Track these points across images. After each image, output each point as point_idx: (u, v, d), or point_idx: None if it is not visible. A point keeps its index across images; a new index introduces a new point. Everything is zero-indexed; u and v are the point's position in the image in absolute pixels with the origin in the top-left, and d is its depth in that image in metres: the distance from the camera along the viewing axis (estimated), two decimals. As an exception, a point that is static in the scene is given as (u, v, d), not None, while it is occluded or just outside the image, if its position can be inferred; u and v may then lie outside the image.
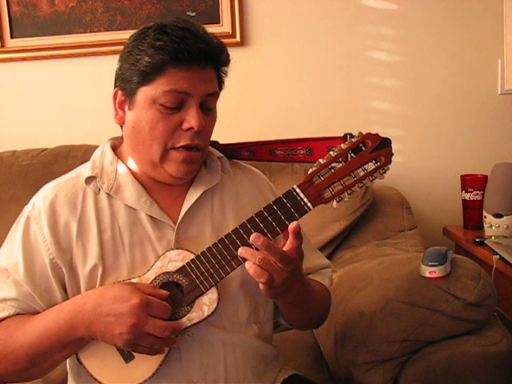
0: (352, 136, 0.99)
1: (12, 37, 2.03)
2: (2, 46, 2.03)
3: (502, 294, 1.42)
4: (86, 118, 2.06)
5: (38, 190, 1.08)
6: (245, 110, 2.03)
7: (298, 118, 2.06)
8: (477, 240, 1.73)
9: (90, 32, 2.03)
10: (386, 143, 0.97)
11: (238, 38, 1.99)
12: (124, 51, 1.03)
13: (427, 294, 1.20)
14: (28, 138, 2.01)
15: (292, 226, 0.94)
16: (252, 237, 0.93)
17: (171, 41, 0.97)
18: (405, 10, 2.02)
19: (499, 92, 2.04)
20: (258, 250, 0.94)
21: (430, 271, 1.20)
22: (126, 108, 1.04)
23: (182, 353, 1.01)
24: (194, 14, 2.00)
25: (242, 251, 0.94)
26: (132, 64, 1.00)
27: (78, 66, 2.05)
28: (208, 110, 1.03)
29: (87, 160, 1.10)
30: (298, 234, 0.94)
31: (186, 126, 0.99)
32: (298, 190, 0.96)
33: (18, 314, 0.99)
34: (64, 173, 1.11)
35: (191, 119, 0.99)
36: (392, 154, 0.97)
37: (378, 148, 0.96)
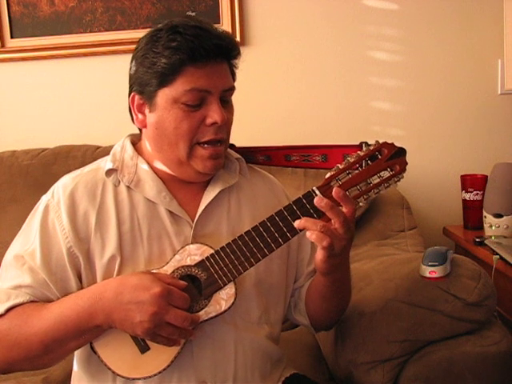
0: (368, 145, 1.02)
1: (12, 37, 2.03)
2: (2, 46, 2.03)
3: (501, 294, 1.42)
4: (86, 118, 2.05)
5: (38, 190, 1.08)
6: (244, 110, 2.02)
7: (298, 118, 2.06)
8: (477, 240, 1.73)
9: (90, 32, 2.03)
10: (401, 153, 0.99)
11: (238, 38, 1.99)
12: (138, 55, 1.04)
13: (427, 294, 1.20)
14: (28, 138, 2.01)
15: (335, 192, 0.95)
16: (316, 199, 0.95)
17: (185, 40, 0.98)
18: (405, 10, 2.02)
19: (499, 92, 2.04)
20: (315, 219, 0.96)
21: (429, 271, 1.20)
22: (147, 111, 1.05)
23: (194, 349, 1.02)
24: (193, 13, 2.00)
25: (301, 221, 0.96)
26: (149, 67, 1.01)
27: (77, 66, 2.05)
28: (226, 104, 1.05)
29: (87, 160, 1.11)
30: (346, 198, 0.95)
31: (209, 121, 1.01)
32: (317, 192, 0.98)
33: (32, 302, 0.98)
34: (64, 173, 1.11)
35: (214, 114, 1.01)
36: (406, 164, 1.00)
37: (393, 157, 0.99)
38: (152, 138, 1.06)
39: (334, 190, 0.95)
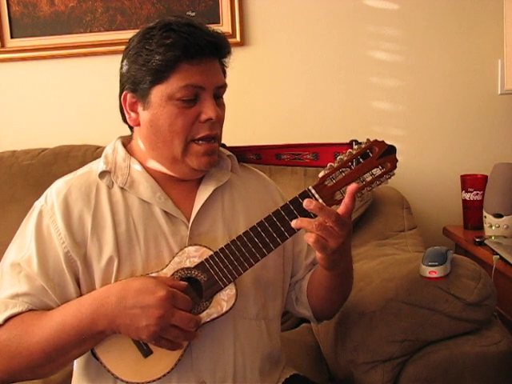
0: (358, 142, 1.03)
1: (12, 37, 2.03)
2: (2, 46, 2.03)
3: (501, 294, 1.42)
4: (86, 118, 2.06)
5: (38, 190, 1.08)
6: (244, 110, 2.03)
7: (298, 118, 2.06)
8: (477, 240, 1.73)
9: (90, 32, 2.03)
10: (391, 150, 1.01)
11: (238, 38, 1.99)
12: (130, 53, 1.04)
13: (427, 294, 1.20)
14: (28, 138, 2.01)
15: (351, 187, 0.96)
16: (305, 202, 0.95)
17: (180, 37, 0.99)
18: (406, 10, 2.02)
19: (499, 92, 2.04)
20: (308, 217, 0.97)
21: (429, 271, 1.20)
22: (140, 109, 1.05)
23: (193, 349, 1.02)
24: (193, 13, 2.00)
25: (298, 221, 0.96)
26: (142, 65, 1.01)
27: (78, 66, 2.05)
28: (219, 100, 1.06)
29: (87, 160, 1.11)
30: (354, 196, 0.96)
31: (204, 117, 1.02)
32: (313, 191, 0.99)
33: (30, 311, 0.97)
34: (64, 173, 1.11)
35: (208, 110, 1.02)
36: (397, 161, 1.01)
37: (384, 155, 1.00)
38: (146, 137, 1.06)
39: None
